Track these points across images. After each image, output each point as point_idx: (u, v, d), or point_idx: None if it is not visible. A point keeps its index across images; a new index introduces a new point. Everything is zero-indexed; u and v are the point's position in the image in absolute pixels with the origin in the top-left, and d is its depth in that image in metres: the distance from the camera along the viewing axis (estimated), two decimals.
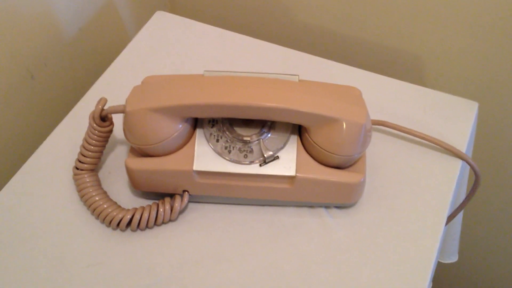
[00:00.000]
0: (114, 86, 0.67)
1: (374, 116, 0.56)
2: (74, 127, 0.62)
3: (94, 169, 0.58)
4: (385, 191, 0.58)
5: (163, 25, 0.77)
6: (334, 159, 0.51)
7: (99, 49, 0.79)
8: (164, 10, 0.79)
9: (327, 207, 0.57)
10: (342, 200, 0.55)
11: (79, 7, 0.74)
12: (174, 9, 0.89)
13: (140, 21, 0.77)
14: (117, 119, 0.56)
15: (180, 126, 0.52)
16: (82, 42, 0.76)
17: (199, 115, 0.52)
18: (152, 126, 0.51)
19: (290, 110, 0.49)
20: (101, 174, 0.60)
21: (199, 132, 0.54)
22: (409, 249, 0.54)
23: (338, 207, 0.57)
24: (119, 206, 0.56)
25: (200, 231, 0.55)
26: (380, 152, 0.61)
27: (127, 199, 0.58)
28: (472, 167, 0.59)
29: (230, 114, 0.51)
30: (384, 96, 0.67)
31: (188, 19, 0.77)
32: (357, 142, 0.51)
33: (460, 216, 0.75)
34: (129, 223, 0.54)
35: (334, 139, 0.50)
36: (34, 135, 0.68)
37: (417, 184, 0.59)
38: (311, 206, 0.57)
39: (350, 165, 0.54)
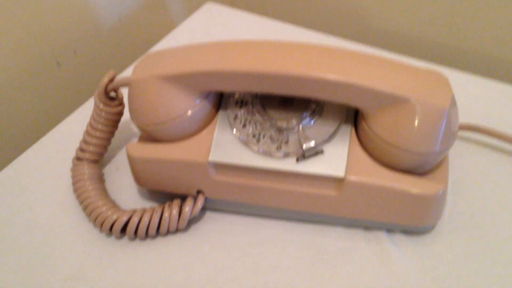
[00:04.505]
0: None
1: (461, 119, 0.41)
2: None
3: (99, 161, 0.47)
4: (473, 216, 0.42)
5: (211, 16, 0.67)
6: (401, 158, 0.36)
7: (137, 41, 0.70)
8: (220, 3, 0.69)
9: (389, 230, 0.41)
10: (411, 221, 0.39)
11: None
12: (233, 2, 0.79)
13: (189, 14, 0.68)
14: None
15: (198, 102, 0.39)
16: (119, 32, 0.68)
17: (223, 87, 0.39)
18: (161, 99, 0.39)
19: (345, 83, 0.35)
20: (107, 170, 0.49)
21: (222, 115, 0.41)
22: None
23: (405, 231, 0.41)
24: (116, 206, 0.44)
25: (216, 247, 0.42)
26: (468, 165, 0.45)
27: (132, 201, 0.46)
28: None
29: (264, 88, 0.38)
30: (474, 97, 0.51)
31: (239, 10, 0.67)
32: (437, 135, 0.36)
33: None
34: (125, 228, 0.42)
35: (403, 128, 0.35)
36: (50, 124, 0.58)
37: None
38: (367, 227, 0.42)
39: (425, 173, 0.38)
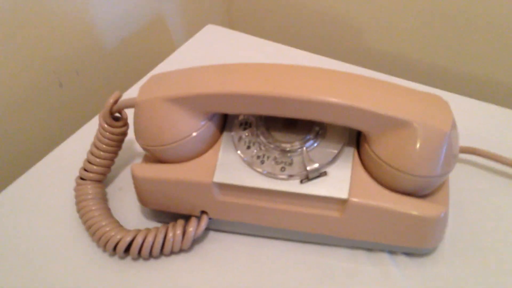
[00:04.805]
0: None
1: (461, 142, 0.41)
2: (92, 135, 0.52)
3: (102, 181, 0.48)
4: (474, 238, 0.43)
5: (212, 37, 0.68)
6: (403, 181, 0.37)
7: (139, 62, 0.71)
8: (221, 25, 0.70)
9: (392, 252, 0.42)
10: (414, 243, 0.40)
11: (124, 17, 0.67)
12: (232, 25, 0.81)
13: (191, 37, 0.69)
14: None
15: (203, 123, 0.40)
16: (121, 53, 0.69)
17: (227, 109, 0.40)
18: (167, 121, 0.40)
19: (348, 106, 0.36)
20: (110, 189, 0.49)
21: (226, 136, 0.42)
22: None
23: (407, 253, 0.42)
24: (120, 226, 0.44)
25: (219, 267, 0.42)
26: (468, 188, 0.46)
27: (136, 222, 0.46)
28: None
29: (269, 111, 0.38)
30: (474, 121, 0.52)
31: (240, 32, 0.68)
32: (438, 159, 0.36)
33: None
34: (129, 248, 0.42)
35: (404, 151, 0.36)
36: (52, 145, 0.59)
37: None
38: (369, 249, 0.42)
39: (427, 195, 0.39)
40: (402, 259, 0.41)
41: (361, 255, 0.42)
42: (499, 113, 0.54)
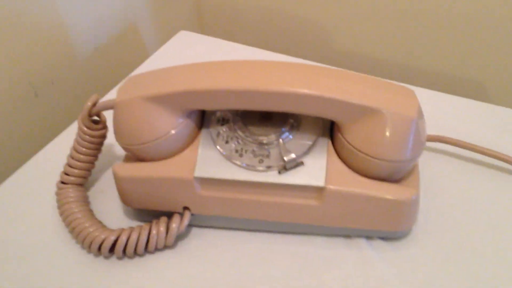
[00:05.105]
0: None
1: (428, 131, 0.44)
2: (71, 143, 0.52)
3: (83, 184, 0.48)
4: (445, 220, 0.45)
5: (185, 43, 0.70)
6: (376, 167, 0.39)
7: (113, 69, 0.72)
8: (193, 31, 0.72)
9: (369, 237, 0.44)
10: (389, 227, 0.42)
11: (97, 26, 0.68)
12: (204, 31, 0.82)
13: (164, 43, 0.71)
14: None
15: (181, 121, 0.41)
16: (95, 61, 0.70)
17: (204, 105, 0.41)
18: (146, 120, 0.41)
19: (319, 97, 0.38)
20: (92, 193, 0.49)
21: (204, 133, 0.43)
22: None
23: (383, 238, 0.43)
24: (103, 226, 0.44)
25: (204, 262, 0.43)
26: (436, 173, 0.48)
27: (118, 223, 0.46)
28: None
29: (244, 105, 0.40)
30: (440, 111, 0.55)
31: (213, 37, 0.69)
32: (406, 144, 0.38)
33: None
34: (113, 247, 0.43)
35: (375, 138, 0.38)
36: (29, 154, 0.59)
37: (486, 211, 0.45)
38: (347, 236, 0.44)
39: (398, 180, 0.41)
40: (379, 243, 0.43)
41: (339, 242, 0.44)
42: (463, 104, 0.57)
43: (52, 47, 0.63)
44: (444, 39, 0.69)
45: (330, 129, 0.42)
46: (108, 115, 0.46)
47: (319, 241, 0.44)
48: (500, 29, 0.64)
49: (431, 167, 0.49)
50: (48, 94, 0.65)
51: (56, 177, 0.48)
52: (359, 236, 0.44)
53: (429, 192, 0.46)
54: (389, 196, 0.39)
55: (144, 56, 0.70)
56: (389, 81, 0.41)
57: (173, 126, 0.41)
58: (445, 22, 0.67)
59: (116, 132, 0.43)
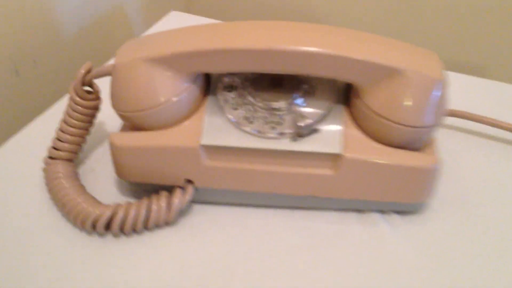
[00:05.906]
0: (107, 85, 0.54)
1: None
2: (56, 120, 0.48)
3: (73, 160, 0.44)
4: (461, 195, 0.43)
5: (176, 24, 0.66)
6: (397, 133, 0.37)
7: (98, 51, 0.68)
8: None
9: (383, 212, 0.41)
10: (406, 198, 0.39)
11: (82, 5, 0.64)
12: (192, 11, 0.79)
13: (152, 24, 0.67)
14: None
15: (186, 85, 0.38)
16: (80, 42, 0.66)
17: (214, 68, 0.38)
18: (149, 84, 0.38)
19: (339, 56, 0.35)
20: (82, 171, 0.46)
21: (210, 100, 0.40)
22: (495, 275, 0.37)
23: (398, 212, 0.41)
24: (97, 201, 0.41)
25: (207, 239, 0.40)
26: (452, 149, 0.46)
27: (113, 199, 0.42)
28: None
29: (257, 66, 0.37)
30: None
31: (203, 17, 0.67)
32: (431, 108, 0.36)
33: None
34: (109, 224, 0.39)
35: (398, 102, 0.36)
36: (9, 133, 0.55)
37: (504, 186, 0.43)
38: (359, 210, 0.41)
39: (417, 150, 0.39)
40: (394, 217, 0.41)
41: (351, 217, 0.41)
42: (465, 80, 0.56)
43: (34, 25, 0.59)
44: (443, 23, 0.68)
45: (346, 98, 0.40)
46: (102, 85, 0.42)
47: (329, 216, 0.41)
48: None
49: (445, 142, 0.46)
50: (30, 73, 0.61)
51: (41, 155, 0.44)
52: (373, 210, 0.41)
53: (444, 166, 0.44)
54: (412, 164, 0.37)
55: (130, 37, 0.66)
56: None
57: (178, 91, 0.38)
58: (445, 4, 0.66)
59: (114, 98, 0.39)
